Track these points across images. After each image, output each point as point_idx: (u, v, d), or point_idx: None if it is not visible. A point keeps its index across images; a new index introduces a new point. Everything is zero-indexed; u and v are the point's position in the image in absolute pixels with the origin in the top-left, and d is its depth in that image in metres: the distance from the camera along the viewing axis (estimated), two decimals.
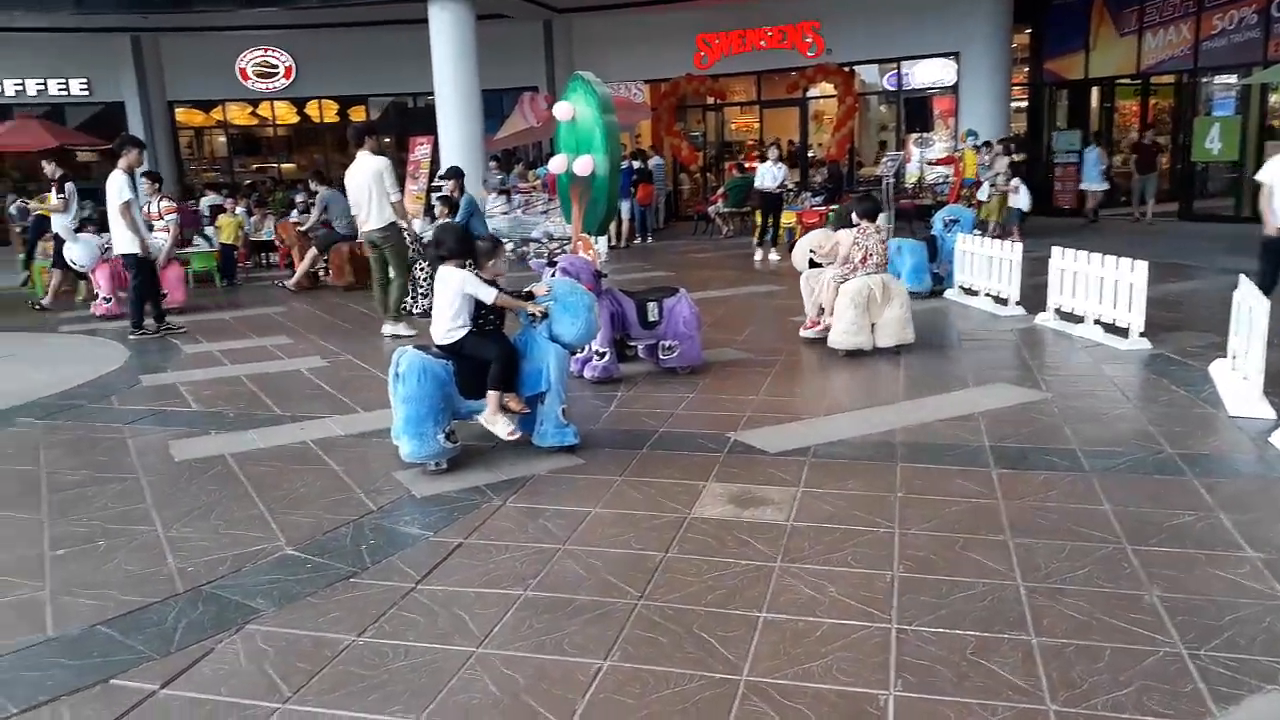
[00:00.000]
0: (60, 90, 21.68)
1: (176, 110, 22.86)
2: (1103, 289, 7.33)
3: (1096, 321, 7.44)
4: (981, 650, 2.91)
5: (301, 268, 12.21)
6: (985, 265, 9.11)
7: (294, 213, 14.07)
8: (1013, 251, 8.63)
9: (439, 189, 17.48)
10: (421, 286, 9.38)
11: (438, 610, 3.30)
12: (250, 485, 4.69)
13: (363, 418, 5.84)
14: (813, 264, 7.67)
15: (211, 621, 3.27)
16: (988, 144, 14.25)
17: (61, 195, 11.23)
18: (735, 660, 2.90)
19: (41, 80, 21.39)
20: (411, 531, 4.06)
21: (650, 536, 3.86)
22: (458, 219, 9.89)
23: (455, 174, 10.68)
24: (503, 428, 4.87)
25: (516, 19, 19.98)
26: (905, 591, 3.31)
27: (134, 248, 8.83)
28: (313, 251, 12.35)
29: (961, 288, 9.57)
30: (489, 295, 4.84)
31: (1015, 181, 13.13)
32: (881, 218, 7.98)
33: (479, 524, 4.08)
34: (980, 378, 6.32)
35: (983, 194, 13.48)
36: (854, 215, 7.25)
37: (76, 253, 10.76)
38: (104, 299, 10.63)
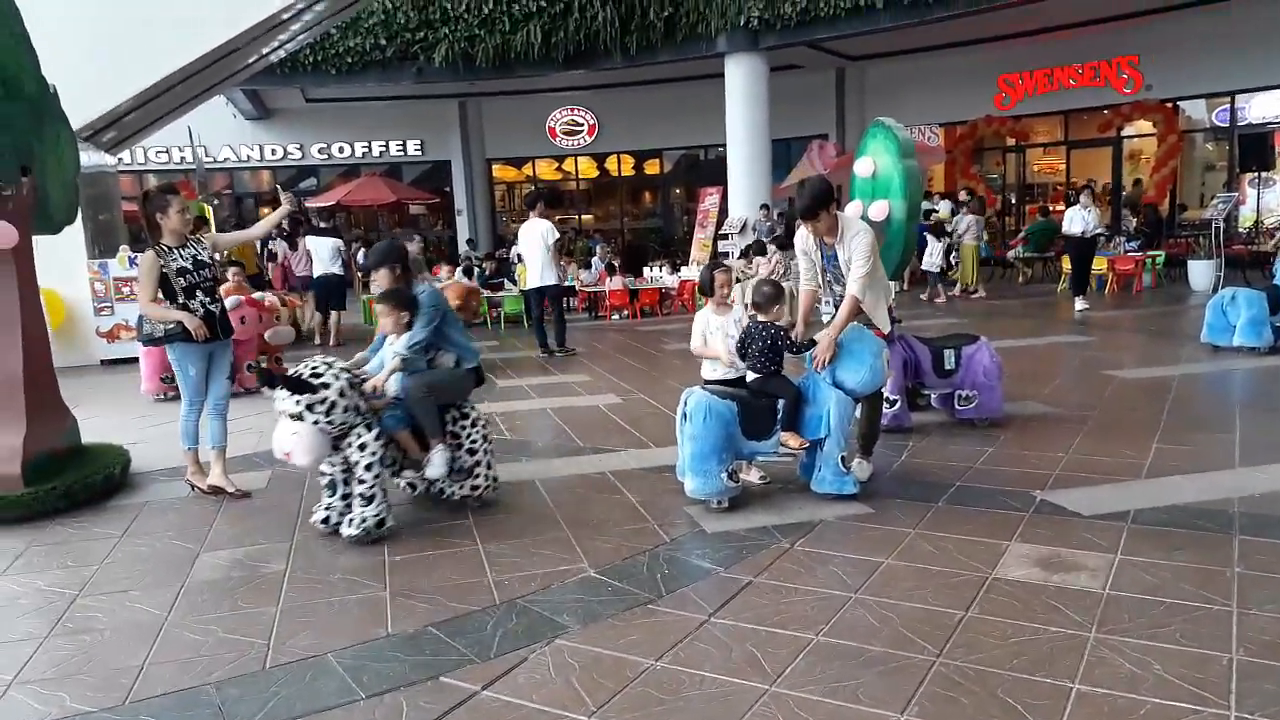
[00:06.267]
0: (398, 151, 24.59)
1: (493, 167, 25.18)
2: None
3: None
4: None
5: None
6: None
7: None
8: None
9: (725, 236, 18.01)
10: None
11: (731, 645, 3.36)
12: (556, 510, 5.03)
13: (655, 452, 6.09)
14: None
15: (525, 633, 3.53)
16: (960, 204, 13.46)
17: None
18: None
19: (384, 142, 24.39)
20: (703, 565, 4.16)
21: (948, 593, 3.71)
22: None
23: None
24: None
25: (808, 69, 20.23)
26: (1246, 677, 2.95)
27: (555, 279, 10.80)
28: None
29: None
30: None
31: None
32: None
33: (768, 564, 4.11)
34: None
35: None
36: (769, 246, 11.88)
37: None
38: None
